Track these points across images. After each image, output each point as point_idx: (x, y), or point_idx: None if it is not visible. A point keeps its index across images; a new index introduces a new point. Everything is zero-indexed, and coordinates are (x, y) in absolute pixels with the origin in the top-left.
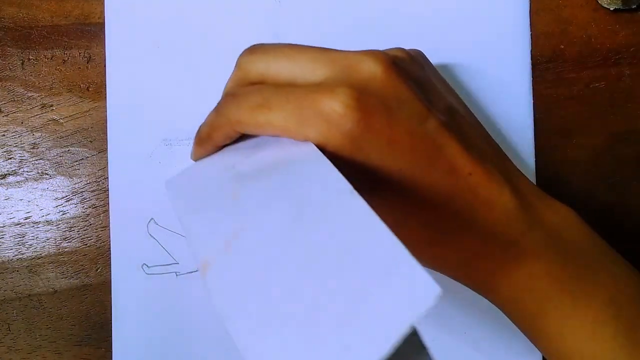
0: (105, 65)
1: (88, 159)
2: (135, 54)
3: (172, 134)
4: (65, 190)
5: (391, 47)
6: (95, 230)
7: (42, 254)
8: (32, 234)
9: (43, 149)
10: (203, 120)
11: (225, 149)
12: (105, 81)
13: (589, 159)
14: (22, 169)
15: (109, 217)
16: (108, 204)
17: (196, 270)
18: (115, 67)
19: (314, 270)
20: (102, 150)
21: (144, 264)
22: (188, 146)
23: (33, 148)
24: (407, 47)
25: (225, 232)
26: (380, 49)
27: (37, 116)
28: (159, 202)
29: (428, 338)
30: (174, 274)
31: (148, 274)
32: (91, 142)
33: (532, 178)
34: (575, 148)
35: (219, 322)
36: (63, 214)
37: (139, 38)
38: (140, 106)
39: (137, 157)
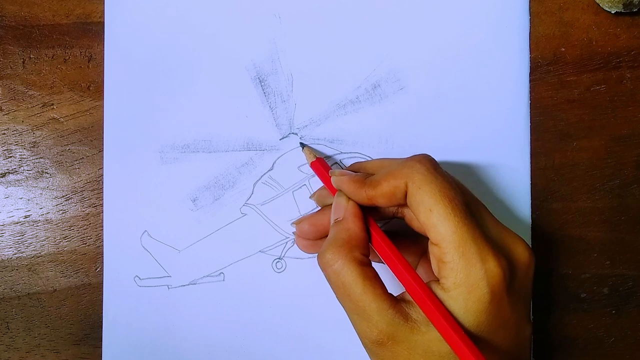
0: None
1: (88, 157)
2: (134, 55)
3: (169, 140)
4: (65, 189)
5: (392, 60)
6: (94, 230)
7: (42, 253)
8: (32, 233)
9: (43, 148)
10: (201, 129)
11: None
12: None
13: (589, 161)
14: (22, 168)
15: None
16: None
17: (188, 284)
18: (114, 67)
19: None
20: (102, 149)
21: (137, 275)
22: (182, 156)
23: (33, 146)
24: (406, 55)
25: None
26: (381, 64)
27: (38, 115)
28: (152, 214)
29: None
30: (166, 287)
31: (140, 286)
32: (91, 141)
33: (527, 180)
34: (575, 151)
35: (208, 335)
36: (63, 213)
37: (138, 39)
38: (137, 109)
39: (132, 167)
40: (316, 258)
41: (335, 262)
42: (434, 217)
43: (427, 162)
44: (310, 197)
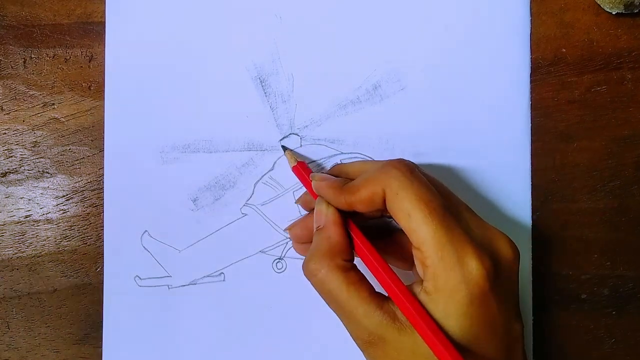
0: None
1: (89, 157)
2: (135, 55)
3: (170, 140)
4: (66, 189)
5: (393, 60)
6: (95, 229)
7: (42, 253)
8: (32, 233)
9: (44, 148)
10: (202, 129)
11: None
12: None
13: (589, 162)
14: (22, 167)
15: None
16: None
17: (188, 284)
18: (115, 67)
19: None
20: (103, 149)
21: (137, 275)
22: (183, 156)
23: (34, 146)
24: (407, 55)
25: None
26: (381, 64)
27: (39, 114)
28: (153, 214)
29: None
30: (166, 287)
31: (141, 286)
32: (92, 140)
33: (527, 181)
34: (576, 151)
35: (208, 335)
36: (63, 213)
37: (139, 40)
38: (138, 109)
39: (132, 167)
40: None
41: (319, 272)
42: (412, 222)
43: (403, 167)
44: (295, 202)
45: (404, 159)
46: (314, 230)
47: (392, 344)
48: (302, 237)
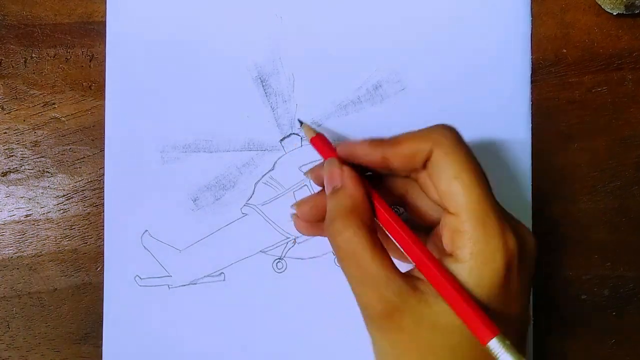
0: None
1: (89, 157)
2: (136, 54)
3: (170, 140)
4: (66, 189)
5: (393, 61)
6: (95, 229)
7: (43, 252)
8: (33, 232)
9: (44, 147)
10: (202, 129)
11: None
12: None
13: (590, 163)
14: (23, 167)
15: None
16: None
17: (188, 284)
18: (115, 67)
19: None
20: (103, 148)
21: (137, 275)
22: (183, 156)
23: (34, 146)
24: (407, 55)
25: None
26: (382, 64)
27: (39, 114)
28: (153, 214)
29: None
30: (167, 286)
31: (141, 285)
32: (92, 140)
33: (528, 181)
34: (576, 152)
35: (208, 335)
36: (64, 212)
37: (140, 39)
38: (138, 109)
39: (132, 167)
40: (316, 257)
41: (346, 230)
42: (457, 185)
43: (455, 131)
44: (305, 174)
45: (453, 126)
46: (328, 193)
47: (410, 316)
48: (310, 215)
